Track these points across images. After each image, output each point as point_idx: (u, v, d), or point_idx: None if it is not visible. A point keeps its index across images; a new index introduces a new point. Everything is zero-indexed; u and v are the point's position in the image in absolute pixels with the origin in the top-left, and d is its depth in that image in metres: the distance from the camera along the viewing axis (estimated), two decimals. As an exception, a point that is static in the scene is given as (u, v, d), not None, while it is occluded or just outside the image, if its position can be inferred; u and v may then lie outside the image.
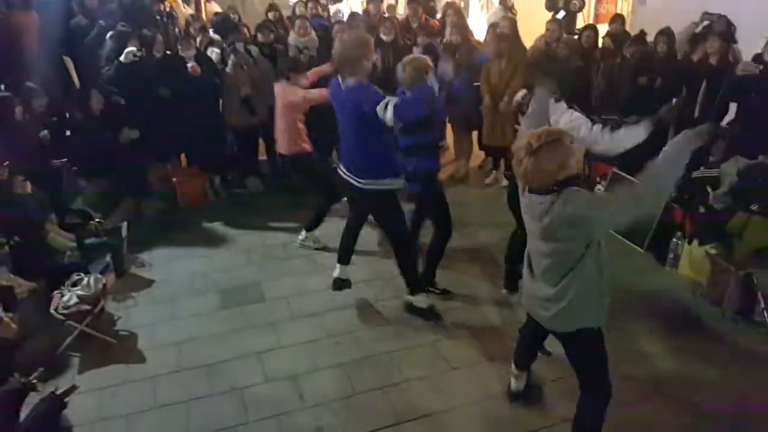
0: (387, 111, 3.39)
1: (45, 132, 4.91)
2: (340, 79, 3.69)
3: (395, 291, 4.36)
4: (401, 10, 10.08)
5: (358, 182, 3.76)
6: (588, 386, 2.79)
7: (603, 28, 6.65)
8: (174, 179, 5.89)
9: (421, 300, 4.08)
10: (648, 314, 4.09)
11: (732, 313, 4.02)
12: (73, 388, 2.91)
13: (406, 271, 4.07)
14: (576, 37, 6.33)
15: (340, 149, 4.10)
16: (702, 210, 4.56)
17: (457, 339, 3.88)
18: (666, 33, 5.49)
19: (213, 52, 6.10)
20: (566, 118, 3.49)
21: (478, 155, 6.71)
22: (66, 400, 2.87)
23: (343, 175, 3.87)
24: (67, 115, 5.59)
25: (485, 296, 4.33)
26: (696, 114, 5.26)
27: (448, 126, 6.71)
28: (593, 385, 2.77)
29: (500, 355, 3.64)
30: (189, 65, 5.57)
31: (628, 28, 6.70)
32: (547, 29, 6.29)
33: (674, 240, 4.61)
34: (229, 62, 5.80)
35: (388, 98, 3.46)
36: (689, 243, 4.49)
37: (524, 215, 2.68)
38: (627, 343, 3.79)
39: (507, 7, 7.70)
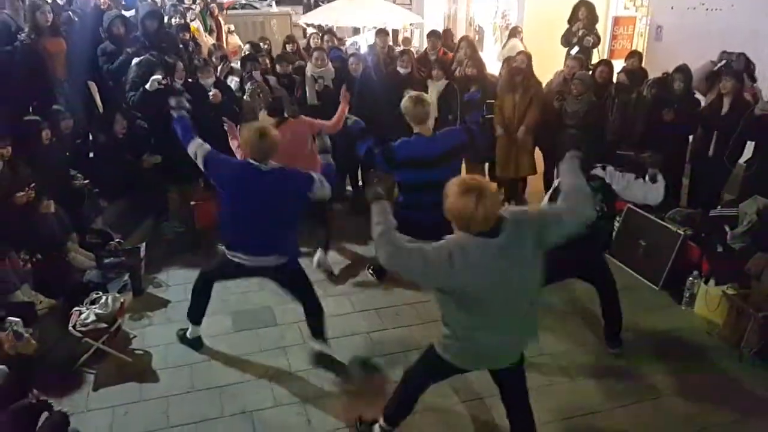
0: (325, 185, 3.51)
1: None
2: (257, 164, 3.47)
3: (404, 320, 4.40)
4: (416, 43, 10.30)
5: (279, 260, 3.63)
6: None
7: (618, 64, 6.70)
8: (192, 202, 5.99)
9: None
10: (662, 353, 4.04)
11: (750, 356, 3.93)
12: None
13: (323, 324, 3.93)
14: (590, 72, 6.39)
15: (245, 236, 3.59)
16: (720, 249, 4.52)
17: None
18: (682, 70, 5.51)
19: (232, 81, 6.26)
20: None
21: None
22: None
23: (249, 262, 3.61)
24: (91, 138, 5.75)
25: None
26: (711, 152, 5.28)
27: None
28: None
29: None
30: (210, 93, 5.71)
31: (643, 64, 6.75)
32: (567, 65, 6.35)
33: (691, 279, 4.56)
34: (246, 90, 5.95)
35: (315, 175, 3.52)
36: (706, 282, 4.46)
37: (497, 272, 2.43)
38: (639, 382, 3.76)
39: (518, 38, 7.85)
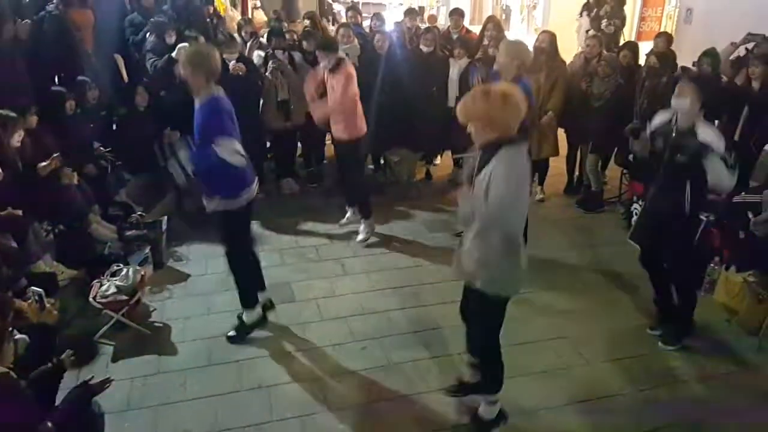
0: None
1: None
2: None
3: (423, 299, 4.41)
4: (442, 21, 10.16)
5: None
6: None
7: (646, 46, 6.54)
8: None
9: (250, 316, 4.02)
10: (680, 339, 4.00)
11: (769, 345, 3.90)
12: (107, 382, 3.00)
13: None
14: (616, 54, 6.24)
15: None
16: (742, 236, 4.44)
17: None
18: (710, 54, 5.36)
19: (256, 56, 6.24)
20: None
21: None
22: (97, 389, 2.97)
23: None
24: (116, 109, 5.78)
25: (527, 310, 4.11)
26: (737, 137, 5.15)
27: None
28: None
29: (531, 371, 3.63)
30: (231, 64, 5.67)
31: (673, 47, 6.58)
32: (587, 44, 6.22)
33: (711, 265, 4.50)
34: (269, 67, 5.93)
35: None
36: (726, 269, 4.39)
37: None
38: (656, 366, 3.74)
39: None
